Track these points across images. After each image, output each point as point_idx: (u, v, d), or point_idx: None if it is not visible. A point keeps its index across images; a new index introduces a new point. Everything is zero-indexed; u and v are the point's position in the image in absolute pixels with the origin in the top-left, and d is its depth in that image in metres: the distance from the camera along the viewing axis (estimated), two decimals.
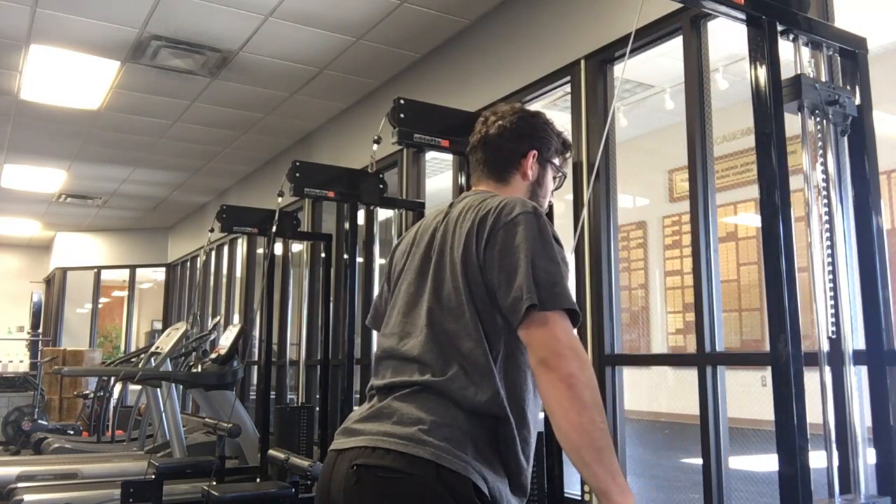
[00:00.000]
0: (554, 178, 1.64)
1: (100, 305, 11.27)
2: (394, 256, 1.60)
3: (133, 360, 5.68)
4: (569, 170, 1.80)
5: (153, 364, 5.08)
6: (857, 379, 1.96)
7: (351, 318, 3.72)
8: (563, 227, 1.94)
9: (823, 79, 2.05)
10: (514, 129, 1.57)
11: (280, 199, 4.08)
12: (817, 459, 1.60)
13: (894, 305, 2.04)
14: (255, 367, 6.64)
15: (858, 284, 2.03)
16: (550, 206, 1.82)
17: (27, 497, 3.94)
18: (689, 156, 2.76)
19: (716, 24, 2.80)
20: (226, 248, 7.86)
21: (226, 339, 4.89)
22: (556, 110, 4.17)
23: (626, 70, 3.92)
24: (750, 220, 7.29)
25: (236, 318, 7.44)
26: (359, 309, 4.39)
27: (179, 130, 6.11)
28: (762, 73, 1.70)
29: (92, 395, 7.14)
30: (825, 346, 1.88)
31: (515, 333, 1.30)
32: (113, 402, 7.02)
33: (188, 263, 9.47)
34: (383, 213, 4.93)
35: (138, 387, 5.98)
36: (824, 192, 1.97)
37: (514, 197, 1.42)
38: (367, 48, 4.44)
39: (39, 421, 7.46)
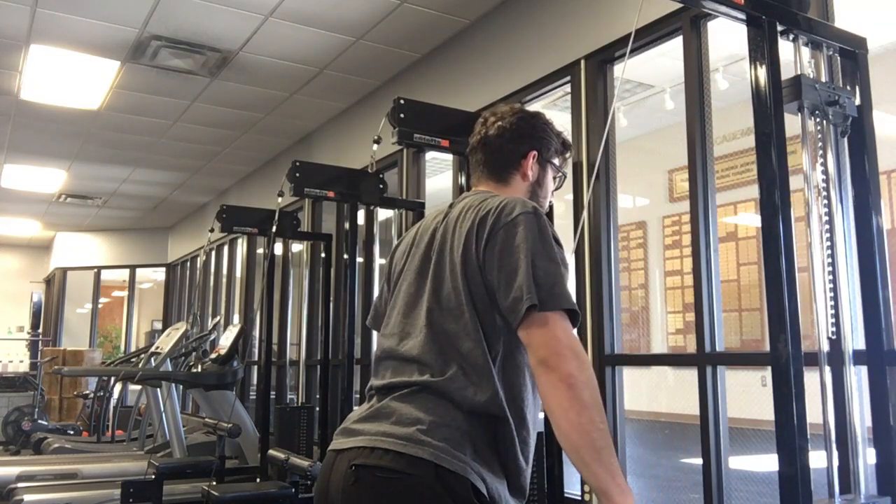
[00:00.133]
0: (554, 178, 1.64)
1: (100, 305, 11.27)
2: (394, 257, 1.60)
3: (133, 360, 5.68)
4: (569, 170, 1.80)
5: (153, 364, 5.08)
6: (857, 379, 1.96)
7: (351, 318, 3.71)
8: (563, 227, 1.94)
9: (823, 79, 2.05)
10: (514, 130, 1.57)
11: (280, 199, 4.08)
12: (817, 459, 1.60)
13: (894, 305, 2.04)
14: (255, 367, 6.64)
15: (858, 284, 2.03)
16: (550, 206, 1.82)
17: (27, 497, 3.94)
18: (689, 156, 2.76)
19: (716, 24, 2.80)
20: (226, 248, 7.86)
21: (226, 339, 4.89)
22: (556, 110, 4.17)
23: (626, 70, 3.91)
24: (750, 220, 7.30)
25: (236, 318, 7.44)
26: (359, 309, 4.39)
27: (179, 130, 6.11)
28: (762, 73, 1.70)
29: (92, 395, 7.15)
30: (825, 346, 1.88)
31: (515, 334, 1.30)
32: (113, 402, 7.02)
33: (188, 263, 9.47)
34: (383, 213, 4.93)
35: (138, 387, 5.98)
36: (824, 192, 1.97)
37: (514, 197, 1.42)
38: (367, 48, 4.44)
39: (39, 421, 7.46)
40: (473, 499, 1.24)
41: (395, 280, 1.53)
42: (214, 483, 3.66)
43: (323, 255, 5.01)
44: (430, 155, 4.54)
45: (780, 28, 1.80)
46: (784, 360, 1.58)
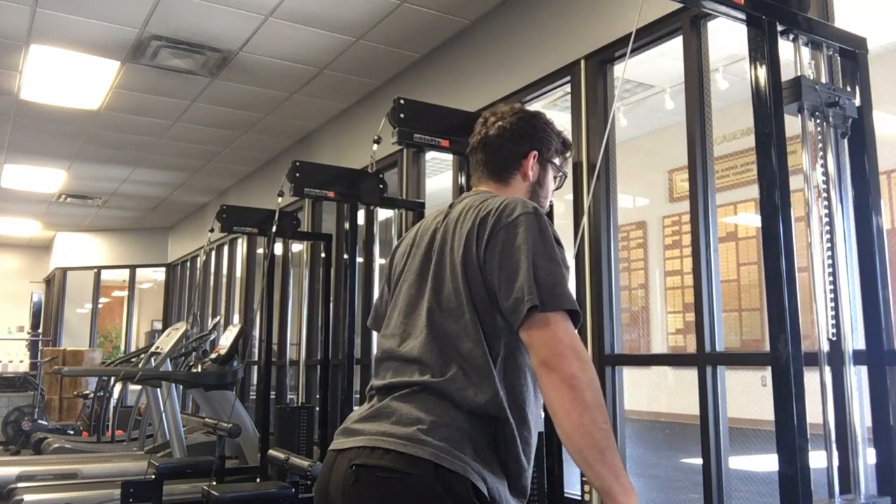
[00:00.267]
0: (555, 177, 1.64)
1: (100, 305, 11.27)
2: (394, 258, 1.60)
3: (133, 360, 5.67)
4: (569, 169, 1.80)
5: (153, 364, 5.08)
6: (857, 379, 1.96)
7: (351, 318, 3.71)
8: (563, 227, 1.93)
9: (823, 79, 2.05)
10: (514, 130, 1.57)
11: (280, 199, 4.08)
12: (817, 459, 1.60)
13: (894, 305, 2.04)
14: (255, 367, 6.64)
15: (858, 284, 2.03)
16: (551, 206, 1.82)
17: (27, 497, 3.94)
18: (689, 156, 2.76)
19: (716, 24, 2.80)
20: (226, 248, 7.86)
21: (226, 339, 4.89)
22: (556, 110, 4.17)
23: (626, 70, 3.91)
24: (750, 220, 7.29)
25: (236, 318, 7.44)
26: (359, 309, 4.39)
27: (179, 130, 6.11)
28: (762, 73, 1.70)
29: (92, 395, 7.15)
30: (825, 346, 1.88)
31: (516, 334, 1.30)
32: (113, 402, 7.02)
33: (188, 263, 9.47)
34: (383, 213, 4.93)
35: (138, 387, 5.98)
36: (824, 193, 1.97)
37: (515, 197, 1.42)
38: (367, 48, 4.44)
39: (39, 421, 7.46)
40: (474, 499, 1.24)
41: (396, 281, 1.53)
42: (214, 483, 3.66)
43: (323, 255, 5.01)
44: (430, 155, 4.54)
45: (780, 28, 1.80)
46: (784, 360, 1.58)
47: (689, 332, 7.06)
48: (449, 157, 4.31)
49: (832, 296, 1.91)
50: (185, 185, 8.08)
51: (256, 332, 6.19)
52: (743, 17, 1.72)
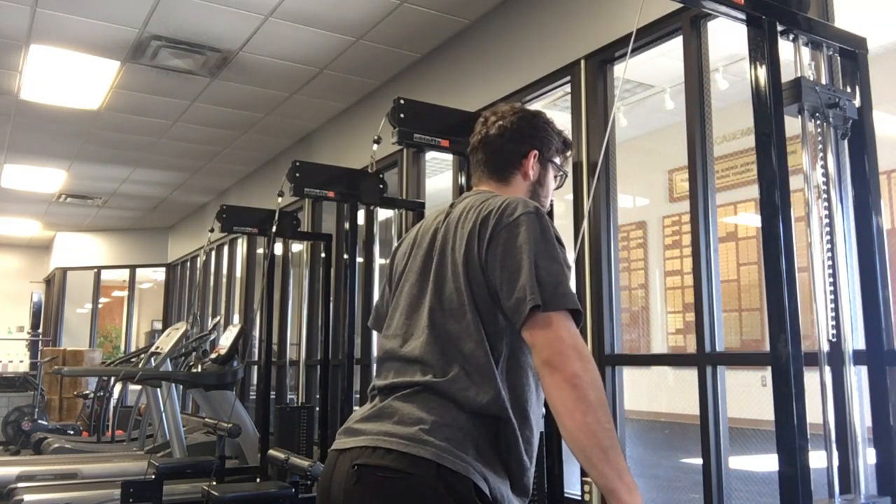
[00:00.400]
0: (555, 177, 1.64)
1: (100, 305, 11.27)
2: (395, 258, 1.60)
3: (133, 360, 5.68)
4: (569, 169, 1.80)
5: (153, 364, 5.08)
6: (857, 379, 1.96)
7: (351, 318, 3.71)
8: (563, 227, 1.94)
9: (823, 79, 2.05)
10: (515, 129, 1.57)
11: (280, 199, 4.08)
12: (817, 459, 1.60)
13: (894, 305, 2.04)
14: (255, 367, 6.64)
15: (858, 284, 2.03)
16: (551, 206, 1.82)
17: (27, 497, 3.94)
18: (689, 156, 2.77)
19: (716, 24, 2.80)
20: (226, 248, 7.86)
21: (226, 339, 4.89)
22: (556, 110, 4.17)
23: (626, 70, 3.91)
24: (750, 220, 7.29)
25: (236, 318, 7.44)
26: (359, 309, 4.39)
27: (179, 130, 6.11)
28: (762, 73, 1.70)
29: (92, 395, 7.15)
30: (825, 347, 1.88)
31: (518, 334, 1.30)
32: (113, 402, 7.02)
33: (188, 263, 9.47)
34: (383, 213, 4.93)
35: (138, 387, 5.98)
36: (824, 193, 1.97)
37: (516, 197, 1.42)
38: (367, 48, 4.44)
39: (39, 421, 7.46)
40: (476, 499, 1.24)
41: (397, 281, 1.53)
42: (214, 483, 3.66)
43: (323, 255, 5.01)
44: (430, 155, 4.54)
45: (780, 28, 1.80)
46: (784, 360, 1.58)
47: (689, 332, 7.05)
48: (449, 157, 4.31)
49: (832, 296, 1.91)
50: (185, 185, 8.08)
51: (256, 332, 6.19)
52: (743, 17, 1.72)
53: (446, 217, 1.49)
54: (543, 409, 1.40)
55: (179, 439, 4.86)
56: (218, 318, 6.93)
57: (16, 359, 10.63)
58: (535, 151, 1.57)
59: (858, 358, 1.97)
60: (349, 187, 3.78)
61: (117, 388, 7.14)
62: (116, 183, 7.97)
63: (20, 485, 4.22)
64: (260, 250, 6.89)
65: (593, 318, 3.06)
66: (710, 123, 2.79)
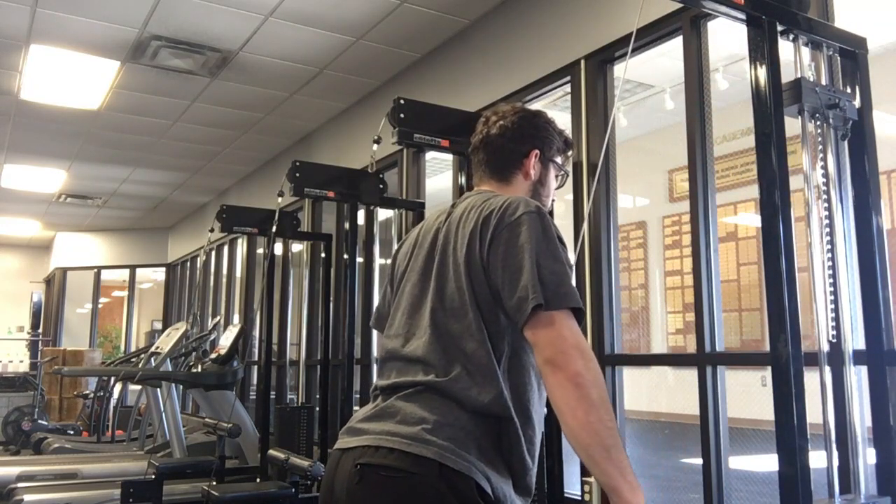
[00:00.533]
0: (556, 176, 1.64)
1: (100, 305, 11.27)
2: (396, 258, 1.60)
3: (133, 360, 5.68)
4: (570, 168, 1.80)
5: (153, 364, 5.08)
6: (857, 379, 1.96)
7: (351, 318, 3.71)
8: (563, 227, 1.94)
9: (823, 79, 2.05)
10: (516, 129, 1.57)
11: (280, 199, 4.08)
12: (817, 459, 1.60)
13: (894, 305, 2.05)
14: (255, 367, 6.64)
15: (858, 284, 2.03)
16: (552, 205, 1.82)
17: (27, 497, 3.94)
18: (689, 156, 2.77)
19: (716, 24, 2.80)
20: (226, 248, 7.86)
21: (226, 339, 4.89)
22: (557, 110, 4.17)
23: (626, 70, 3.92)
24: (750, 220, 7.29)
25: (236, 318, 7.44)
26: (359, 309, 4.39)
27: (179, 130, 6.11)
28: (762, 73, 1.70)
29: (92, 395, 7.14)
30: (825, 347, 1.88)
31: (520, 333, 1.30)
32: (113, 402, 7.01)
33: (188, 263, 9.47)
34: (383, 213, 4.93)
35: (138, 387, 5.98)
36: (824, 193, 1.97)
37: (517, 197, 1.42)
38: (367, 48, 4.44)
39: (39, 421, 7.46)
40: (478, 498, 1.25)
41: (399, 281, 1.54)
42: (214, 483, 3.66)
43: (323, 255, 5.01)
44: (430, 155, 4.54)
45: (780, 28, 1.80)
46: (784, 360, 1.58)
47: (689, 332, 7.05)
48: (449, 157, 4.31)
49: (832, 296, 1.91)
50: (185, 185, 8.08)
51: (256, 332, 6.18)
52: (743, 17, 1.73)
53: (448, 217, 1.49)
54: (546, 409, 1.40)
55: (179, 439, 4.86)
56: (218, 318, 6.93)
57: (16, 359, 10.63)
58: (537, 151, 1.57)
59: (858, 358, 1.97)
60: (349, 187, 3.78)
61: (117, 388, 7.14)
62: (116, 183, 7.97)
63: (20, 485, 4.22)
64: (260, 250, 6.89)
65: (593, 318, 3.06)
66: (710, 123, 2.79)
